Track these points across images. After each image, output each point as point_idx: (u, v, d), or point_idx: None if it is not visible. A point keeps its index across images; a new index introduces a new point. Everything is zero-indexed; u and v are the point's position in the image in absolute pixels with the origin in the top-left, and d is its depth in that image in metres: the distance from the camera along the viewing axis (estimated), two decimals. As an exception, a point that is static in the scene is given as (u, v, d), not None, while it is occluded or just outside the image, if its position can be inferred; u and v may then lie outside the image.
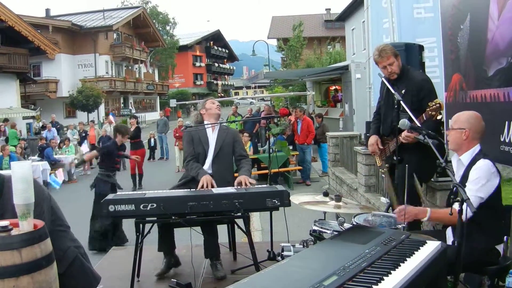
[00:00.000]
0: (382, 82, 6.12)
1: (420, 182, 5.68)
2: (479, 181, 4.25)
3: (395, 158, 5.81)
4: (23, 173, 3.45)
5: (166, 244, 6.09)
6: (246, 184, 5.75)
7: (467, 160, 4.50)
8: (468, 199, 3.48)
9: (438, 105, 5.16)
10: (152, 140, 25.34)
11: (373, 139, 6.35)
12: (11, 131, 26.97)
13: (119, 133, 10.37)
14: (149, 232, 5.48)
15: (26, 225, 3.41)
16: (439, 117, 5.21)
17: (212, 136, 6.34)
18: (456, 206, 4.18)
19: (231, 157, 6.41)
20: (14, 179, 3.43)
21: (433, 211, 4.18)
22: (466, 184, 4.30)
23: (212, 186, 5.77)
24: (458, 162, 4.58)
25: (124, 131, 10.51)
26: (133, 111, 52.83)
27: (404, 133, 5.61)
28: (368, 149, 6.73)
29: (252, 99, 56.53)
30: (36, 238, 3.36)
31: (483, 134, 4.56)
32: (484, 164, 4.31)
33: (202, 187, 5.72)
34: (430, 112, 5.19)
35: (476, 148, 4.52)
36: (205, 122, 6.39)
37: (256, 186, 5.79)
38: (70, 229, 4.37)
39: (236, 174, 6.17)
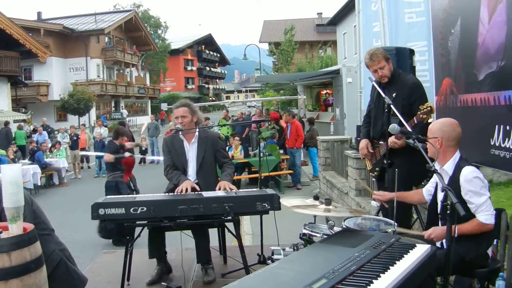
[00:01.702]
0: (373, 85, 6.13)
1: (410, 186, 5.71)
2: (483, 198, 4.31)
3: (385, 162, 5.82)
4: (13, 176, 3.44)
5: (157, 249, 6.04)
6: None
7: (451, 168, 4.52)
8: (458, 202, 3.48)
9: (429, 108, 5.16)
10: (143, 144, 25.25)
11: (363, 142, 6.36)
12: (19, 132, 27.55)
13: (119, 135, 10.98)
14: (139, 235, 5.47)
15: (15, 228, 3.41)
16: (430, 120, 5.22)
17: (189, 148, 6.23)
18: (480, 218, 4.23)
19: (214, 166, 6.35)
20: (4, 182, 3.42)
21: (459, 227, 4.17)
22: (471, 200, 4.33)
23: (193, 190, 5.75)
24: (441, 171, 4.56)
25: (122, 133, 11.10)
26: (125, 114, 52.72)
27: (391, 139, 5.63)
28: (359, 152, 6.73)
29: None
30: (25, 241, 3.35)
31: (458, 141, 4.56)
32: (475, 176, 4.34)
33: (181, 191, 5.68)
34: (421, 116, 5.20)
35: (456, 155, 4.54)
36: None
37: (246, 190, 5.77)
38: (55, 232, 4.35)
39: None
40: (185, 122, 6.11)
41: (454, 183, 4.36)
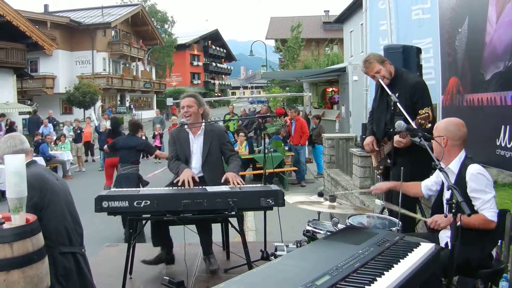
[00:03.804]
0: (376, 84, 6.11)
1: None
2: (488, 194, 4.27)
3: (389, 160, 5.80)
4: (16, 167, 3.43)
5: (161, 239, 6.09)
6: (234, 183, 5.72)
7: (456, 167, 4.49)
8: (463, 201, 3.45)
9: (427, 114, 5.09)
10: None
11: (369, 139, 6.33)
12: None
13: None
14: (141, 229, 5.45)
15: (18, 219, 3.40)
16: (428, 126, 5.12)
17: (194, 140, 6.23)
18: (486, 214, 4.19)
19: (220, 159, 6.36)
20: (7, 173, 3.41)
21: (465, 217, 4.15)
22: (476, 196, 4.29)
23: (194, 181, 5.75)
24: (447, 170, 4.52)
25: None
26: (132, 109, 52.74)
27: (396, 138, 5.60)
28: (364, 149, 6.70)
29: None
30: (28, 232, 3.34)
31: (464, 141, 4.53)
32: (480, 173, 4.31)
33: (184, 183, 5.67)
34: (419, 121, 5.15)
35: (462, 154, 4.52)
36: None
37: (251, 185, 5.76)
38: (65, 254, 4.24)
39: None
40: (190, 112, 6.13)
41: (460, 182, 4.33)
